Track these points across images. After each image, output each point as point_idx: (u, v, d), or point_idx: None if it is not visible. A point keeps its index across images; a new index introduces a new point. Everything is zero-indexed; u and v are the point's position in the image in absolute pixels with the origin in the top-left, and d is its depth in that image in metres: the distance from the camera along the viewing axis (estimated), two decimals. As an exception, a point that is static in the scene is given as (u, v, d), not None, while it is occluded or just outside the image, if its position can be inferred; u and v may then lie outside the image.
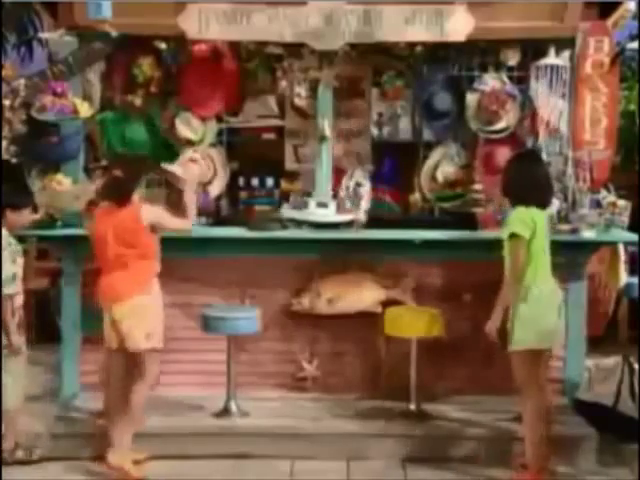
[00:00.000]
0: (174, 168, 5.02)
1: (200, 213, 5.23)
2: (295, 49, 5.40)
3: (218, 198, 5.72)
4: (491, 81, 5.43)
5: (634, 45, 5.56)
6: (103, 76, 5.41)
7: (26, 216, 4.79)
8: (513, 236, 4.42)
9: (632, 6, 5.28)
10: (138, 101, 5.42)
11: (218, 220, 5.53)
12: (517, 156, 4.85)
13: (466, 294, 5.25)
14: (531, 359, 4.47)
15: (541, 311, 4.46)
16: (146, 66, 5.37)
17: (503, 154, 5.33)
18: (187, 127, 5.53)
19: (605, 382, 5.18)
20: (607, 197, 5.28)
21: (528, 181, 4.53)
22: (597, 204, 5.22)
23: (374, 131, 5.97)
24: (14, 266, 4.69)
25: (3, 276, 4.58)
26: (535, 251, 4.47)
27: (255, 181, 5.90)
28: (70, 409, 5.26)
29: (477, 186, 5.50)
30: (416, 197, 5.85)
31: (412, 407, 5.19)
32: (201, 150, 5.58)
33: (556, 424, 4.74)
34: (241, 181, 5.90)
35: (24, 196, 4.81)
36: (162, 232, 4.74)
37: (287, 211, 5.40)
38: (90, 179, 5.38)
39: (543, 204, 4.56)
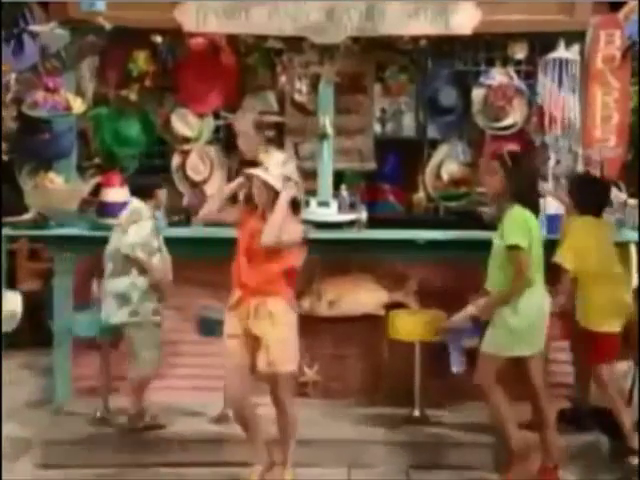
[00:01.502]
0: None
1: (196, 212, 5.07)
2: (295, 43, 5.35)
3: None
4: (498, 76, 5.36)
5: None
6: (97, 71, 5.33)
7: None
8: (513, 247, 4.30)
9: (640, 2, 5.23)
10: (133, 96, 5.34)
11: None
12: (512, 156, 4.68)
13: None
14: (503, 363, 4.40)
15: (530, 320, 4.37)
16: (141, 60, 5.29)
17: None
18: (183, 124, 5.46)
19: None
20: (618, 196, 5.21)
21: (525, 181, 4.44)
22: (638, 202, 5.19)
23: (377, 128, 5.93)
24: (156, 241, 4.81)
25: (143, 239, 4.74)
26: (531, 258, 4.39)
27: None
28: (63, 415, 5.18)
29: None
30: (420, 196, 5.82)
31: (416, 413, 5.14)
32: (198, 148, 5.45)
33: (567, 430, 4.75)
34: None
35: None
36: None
37: None
38: (83, 177, 5.32)
39: (536, 206, 4.49)
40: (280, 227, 4.11)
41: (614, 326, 4.72)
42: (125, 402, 5.03)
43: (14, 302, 4.83)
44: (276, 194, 4.17)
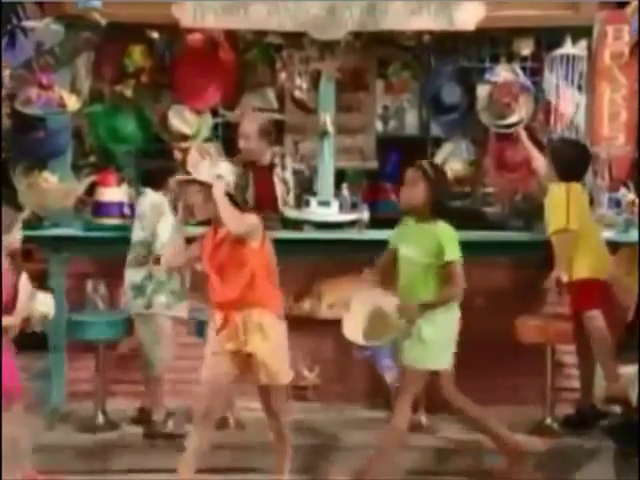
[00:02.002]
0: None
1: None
2: (296, 39, 5.30)
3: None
4: (503, 72, 5.30)
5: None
6: (92, 67, 5.27)
7: None
8: (452, 262, 4.23)
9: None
10: (128, 92, 5.29)
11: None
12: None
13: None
14: (423, 377, 4.32)
15: (445, 333, 4.31)
16: (137, 55, 5.24)
17: (515, 150, 5.27)
18: (181, 120, 5.40)
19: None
20: (627, 196, 5.17)
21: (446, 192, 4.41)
22: (616, 203, 5.13)
23: (379, 126, 5.90)
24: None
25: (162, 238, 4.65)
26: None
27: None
28: (58, 418, 5.13)
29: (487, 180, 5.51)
30: None
31: (420, 418, 5.02)
32: (198, 145, 5.41)
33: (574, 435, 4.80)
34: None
35: None
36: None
37: (287, 210, 5.28)
38: (78, 176, 5.25)
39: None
40: (234, 213, 4.00)
41: (597, 273, 4.81)
42: (122, 405, 5.01)
43: (46, 304, 4.73)
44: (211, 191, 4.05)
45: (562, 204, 4.74)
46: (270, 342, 4.07)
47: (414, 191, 4.26)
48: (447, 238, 4.24)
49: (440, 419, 5.02)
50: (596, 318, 4.76)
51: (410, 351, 4.28)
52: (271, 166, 5.35)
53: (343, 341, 5.21)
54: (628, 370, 5.10)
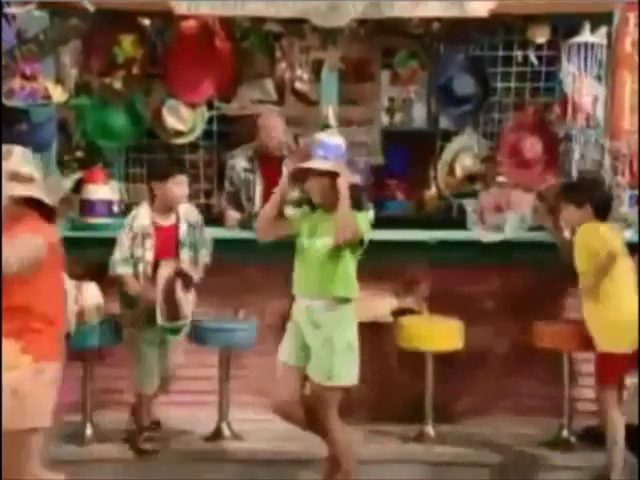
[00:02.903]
0: None
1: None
2: (296, 26, 5.30)
3: (207, 194, 5.52)
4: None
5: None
6: (79, 57, 5.17)
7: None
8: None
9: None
10: (118, 84, 5.23)
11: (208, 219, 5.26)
12: None
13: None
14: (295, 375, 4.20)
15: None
16: (127, 44, 5.19)
17: (530, 144, 5.25)
18: (176, 117, 5.36)
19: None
20: None
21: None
22: (637, 200, 4.99)
23: (385, 119, 5.81)
24: (139, 249, 4.59)
25: (118, 255, 4.60)
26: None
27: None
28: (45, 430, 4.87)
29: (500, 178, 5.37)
30: (431, 193, 5.75)
31: (427, 430, 4.94)
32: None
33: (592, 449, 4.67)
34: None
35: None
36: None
37: (287, 209, 5.03)
38: (64, 172, 5.15)
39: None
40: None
41: (621, 344, 4.33)
42: (113, 417, 4.91)
43: (94, 295, 4.59)
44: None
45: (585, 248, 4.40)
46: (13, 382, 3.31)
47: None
48: (364, 221, 4.17)
49: (448, 430, 4.96)
50: (604, 399, 4.37)
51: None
52: (282, 158, 5.25)
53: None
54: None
